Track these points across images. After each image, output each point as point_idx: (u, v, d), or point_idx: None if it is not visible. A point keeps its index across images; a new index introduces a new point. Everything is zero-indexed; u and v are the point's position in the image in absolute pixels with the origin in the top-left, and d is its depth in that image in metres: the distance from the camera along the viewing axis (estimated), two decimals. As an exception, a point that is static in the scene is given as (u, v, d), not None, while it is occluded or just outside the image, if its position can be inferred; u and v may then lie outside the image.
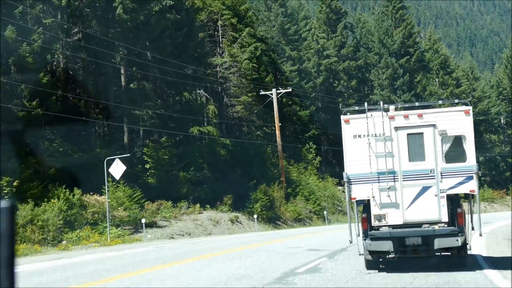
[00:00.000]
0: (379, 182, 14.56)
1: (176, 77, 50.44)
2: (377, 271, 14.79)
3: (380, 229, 14.53)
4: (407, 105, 17.88)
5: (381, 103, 15.03)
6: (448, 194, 14.38)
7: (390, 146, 14.60)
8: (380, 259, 15.07)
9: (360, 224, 14.87)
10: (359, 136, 14.69)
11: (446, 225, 14.34)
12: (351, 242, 15.11)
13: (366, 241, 14.38)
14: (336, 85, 77.52)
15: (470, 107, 14.84)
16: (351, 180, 14.66)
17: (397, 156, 14.61)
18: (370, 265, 15.10)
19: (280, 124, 58.12)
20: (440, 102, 17.89)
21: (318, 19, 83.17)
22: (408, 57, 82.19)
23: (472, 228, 15.61)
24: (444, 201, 14.34)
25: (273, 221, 50.69)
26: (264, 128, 65.63)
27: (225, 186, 49.60)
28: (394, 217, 14.50)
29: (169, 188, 46.58)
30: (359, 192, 14.66)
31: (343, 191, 66.40)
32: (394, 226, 14.49)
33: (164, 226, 40.82)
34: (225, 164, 52.85)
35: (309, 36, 78.00)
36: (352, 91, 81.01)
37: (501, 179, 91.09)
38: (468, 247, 14.97)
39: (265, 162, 57.57)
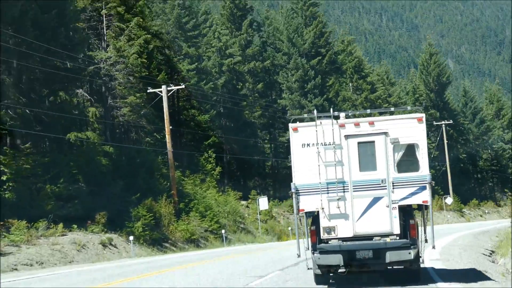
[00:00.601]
0: (328, 192, 14.28)
1: (48, 72, 40.53)
2: (326, 286, 14.80)
3: (329, 242, 14.20)
4: (358, 112, 16.81)
5: (331, 110, 14.91)
6: (400, 205, 14.18)
7: (340, 155, 14.33)
8: (330, 274, 14.86)
9: (308, 237, 14.63)
10: (308, 145, 14.41)
11: (398, 238, 14.06)
12: (299, 256, 14.75)
13: (315, 254, 14.09)
14: (240, 87, 68.87)
15: (423, 115, 14.56)
16: (299, 191, 14.36)
17: (348, 166, 14.35)
18: (319, 280, 15.09)
19: (171, 127, 48.85)
20: (393, 109, 17.30)
21: (222, 15, 74.61)
22: (319, 58, 74.55)
23: (426, 241, 15.32)
24: (396, 212, 14.07)
25: (159, 243, 41.24)
26: (155, 134, 56.18)
27: (101, 201, 40.08)
28: (344, 230, 14.19)
29: (29, 204, 36.68)
30: (307, 203, 14.35)
31: (247, 206, 58.69)
32: (344, 239, 14.17)
33: (8, 254, 30.82)
34: (106, 176, 43.19)
35: (210, 32, 69.10)
36: (258, 95, 72.63)
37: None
38: (421, 260, 14.75)
39: (153, 173, 48.09)
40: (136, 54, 49.47)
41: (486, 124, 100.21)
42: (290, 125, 14.80)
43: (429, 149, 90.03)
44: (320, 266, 14.41)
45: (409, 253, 13.65)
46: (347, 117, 15.15)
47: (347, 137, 14.38)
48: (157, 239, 40.96)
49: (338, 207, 14.20)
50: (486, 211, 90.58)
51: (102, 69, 49.03)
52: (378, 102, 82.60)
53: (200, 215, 46.50)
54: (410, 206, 14.44)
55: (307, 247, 14.76)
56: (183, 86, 51.57)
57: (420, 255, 14.47)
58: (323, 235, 14.22)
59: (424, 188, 14.05)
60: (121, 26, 50.80)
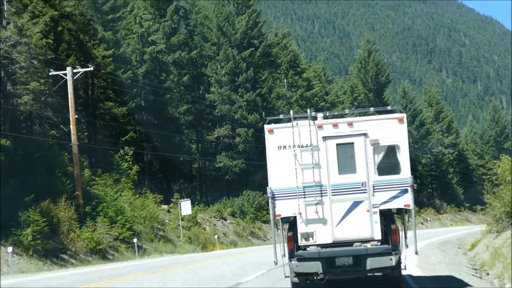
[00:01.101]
0: (305, 197, 13.71)
1: None
2: None
3: (307, 248, 13.71)
4: (336, 113, 15.67)
5: (308, 111, 14.44)
6: (381, 209, 13.70)
7: (317, 157, 13.79)
8: (308, 281, 14.37)
9: (285, 244, 14.05)
10: (284, 147, 13.91)
11: (379, 243, 13.61)
12: (276, 263, 14.39)
13: (292, 262, 13.59)
14: (163, 78, 61.38)
15: (404, 115, 14.09)
16: (275, 195, 13.78)
17: (326, 168, 13.79)
18: None
19: (83, 119, 41.38)
20: (372, 109, 16.84)
21: None
22: (252, 49, 67.83)
23: (406, 246, 14.91)
24: (377, 217, 13.64)
25: (54, 254, 33.54)
26: (62, 126, 48.26)
27: (-16, 203, 32.43)
28: (323, 235, 13.71)
29: None
30: (284, 208, 13.80)
31: (169, 211, 51.06)
32: (323, 245, 13.71)
33: None
34: (-3, 173, 35.42)
35: (130, 17, 61.43)
36: (184, 88, 65.35)
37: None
38: (402, 266, 14.35)
39: (54, 170, 40.28)
40: (40, 33, 41.66)
41: (426, 127, 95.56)
42: (266, 126, 14.16)
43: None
44: (298, 274, 13.90)
45: (391, 259, 13.25)
46: (325, 117, 14.53)
47: (325, 138, 13.92)
48: (52, 250, 33.29)
49: (317, 212, 13.72)
50: (428, 219, 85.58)
51: (1, 50, 41.14)
52: (315, 100, 76.61)
53: (109, 221, 38.94)
54: (390, 210, 14.04)
55: (283, 254, 14.23)
56: (91, 68, 43.91)
57: (401, 261, 14.02)
58: (301, 242, 13.71)
59: (405, 191, 13.64)
60: (24, 1, 43.14)
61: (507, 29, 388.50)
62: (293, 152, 13.79)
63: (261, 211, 59.80)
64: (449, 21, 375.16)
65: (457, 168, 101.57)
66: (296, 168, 13.73)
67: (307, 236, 13.66)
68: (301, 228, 13.68)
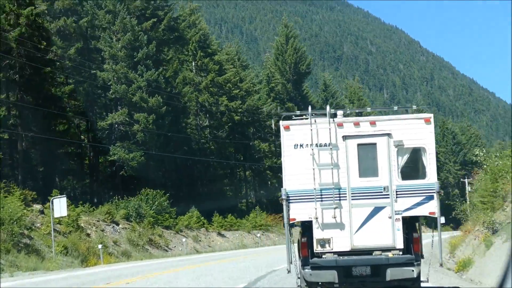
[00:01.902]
0: (323, 200, 12.68)
1: None
2: None
3: (323, 256, 12.67)
4: (357, 111, 16.09)
5: (328, 107, 13.03)
6: (404, 216, 12.76)
7: (337, 157, 12.73)
8: None
9: (298, 250, 13.08)
10: (301, 145, 12.78)
11: (401, 253, 12.72)
12: (289, 272, 13.11)
13: (306, 270, 12.49)
14: (43, 48, 49.07)
15: (431, 115, 13.06)
16: (290, 198, 12.67)
17: (346, 170, 12.71)
18: None
19: None
20: (396, 108, 14.77)
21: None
22: (155, 20, 56.79)
23: (422, 257, 13.16)
24: (399, 224, 12.71)
25: None
26: None
27: None
28: (340, 242, 12.66)
29: None
30: (299, 212, 12.71)
31: (43, 211, 37.26)
32: (340, 253, 12.68)
33: None
34: None
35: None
36: (70, 63, 53.40)
37: (271, 199, 69.18)
38: (425, 279, 13.32)
39: None
40: None
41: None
42: (281, 122, 13.01)
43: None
44: (309, 283, 12.72)
45: (412, 270, 12.34)
46: (345, 115, 13.60)
47: (345, 137, 12.81)
48: None
49: (334, 217, 12.63)
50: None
51: None
52: (227, 87, 66.15)
53: None
54: (413, 217, 13.02)
55: (290, 260, 13.11)
56: None
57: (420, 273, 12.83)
58: (317, 248, 12.66)
59: (431, 197, 12.66)
60: None
61: (413, 39, 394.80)
62: (311, 151, 12.66)
63: (163, 215, 48.58)
64: (356, 29, 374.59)
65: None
66: (313, 169, 12.62)
67: (323, 242, 12.65)
68: (317, 233, 12.67)
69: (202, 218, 50.70)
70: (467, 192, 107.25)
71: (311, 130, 12.71)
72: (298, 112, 13.63)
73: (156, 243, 45.51)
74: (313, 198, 12.60)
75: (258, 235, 52.87)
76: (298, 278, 13.34)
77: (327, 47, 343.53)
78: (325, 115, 12.94)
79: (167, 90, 57.13)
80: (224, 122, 64.71)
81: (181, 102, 60.26)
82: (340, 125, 12.83)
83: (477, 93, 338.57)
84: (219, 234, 50.76)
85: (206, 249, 46.72)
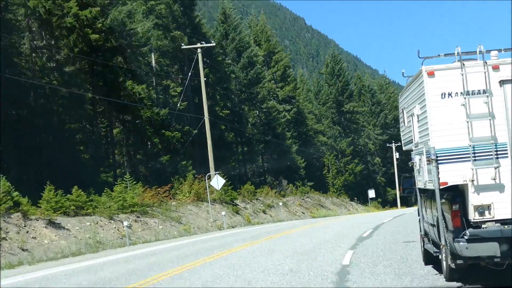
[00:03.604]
0: (479, 158, 10.47)
1: None
2: (460, 284, 10.98)
3: (483, 225, 10.37)
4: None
5: (479, 47, 10.68)
6: None
7: (495, 108, 10.48)
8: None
9: (448, 221, 10.73)
10: (450, 94, 10.67)
11: None
12: (435, 254, 11.89)
13: (460, 243, 10.26)
14: None
15: None
16: (440, 158, 10.57)
17: (505, 122, 10.46)
18: (453, 275, 11.17)
19: None
20: None
21: None
22: None
23: None
24: None
25: None
26: None
27: None
28: (503, 209, 10.35)
29: None
30: (451, 174, 10.54)
31: None
32: (503, 222, 10.37)
33: None
34: None
35: None
36: None
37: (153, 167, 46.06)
38: None
39: None
40: None
41: (257, 69, 64.03)
42: (424, 67, 10.78)
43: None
44: (464, 259, 10.45)
45: None
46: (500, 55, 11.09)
47: (503, 82, 10.50)
48: None
49: (495, 179, 10.32)
50: (274, 205, 53.91)
51: None
52: None
53: None
54: None
55: (422, 233, 13.49)
56: None
57: None
58: (474, 217, 10.36)
59: None
60: None
61: (297, 15, 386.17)
62: (464, 100, 10.54)
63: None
64: (241, 5, 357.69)
65: (295, 132, 71.33)
66: (468, 122, 10.51)
67: (482, 209, 10.37)
68: (474, 199, 10.40)
69: (17, 194, 26.29)
70: (394, 159, 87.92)
71: (462, 74, 10.51)
72: (443, 54, 11.32)
73: None
74: (468, 157, 10.40)
75: (126, 223, 28.35)
76: (436, 253, 11.84)
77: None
78: (475, 56, 10.62)
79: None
80: (73, 42, 39.85)
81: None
82: (496, 67, 10.54)
83: (361, 70, 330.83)
84: (51, 223, 26.28)
85: (15, 255, 21.98)
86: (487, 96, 10.47)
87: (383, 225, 29.42)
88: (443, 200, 10.90)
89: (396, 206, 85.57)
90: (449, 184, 10.61)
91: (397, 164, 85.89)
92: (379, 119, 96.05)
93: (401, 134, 14.51)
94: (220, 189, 40.69)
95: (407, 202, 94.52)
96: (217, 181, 39.19)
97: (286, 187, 62.28)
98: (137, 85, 44.73)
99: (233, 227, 39.64)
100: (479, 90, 10.57)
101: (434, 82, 10.71)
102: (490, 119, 10.44)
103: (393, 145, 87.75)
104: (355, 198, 77.83)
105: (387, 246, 18.34)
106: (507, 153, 10.41)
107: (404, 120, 13.68)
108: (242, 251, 19.81)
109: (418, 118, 11.63)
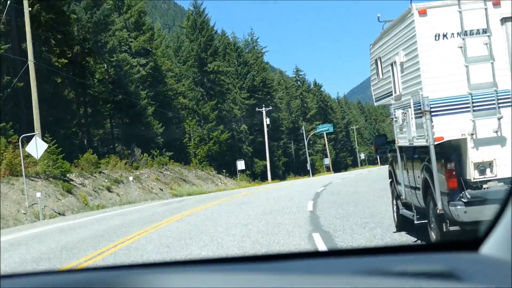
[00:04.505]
0: (481, 109, 9.15)
1: None
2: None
3: (483, 185, 9.00)
4: None
5: None
6: None
7: (496, 49, 9.04)
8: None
9: (441, 181, 9.17)
10: (445, 35, 9.21)
11: None
12: (420, 218, 10.56)
13: (457, 207, 8.89)
14: None
15: None
16: (434, 109, 9.19)
17: (510, 67, 8.86)
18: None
19: None
20: None
21: None
22: None
23: None
24: None
25: None
26: None
27: None
28: (507, 166, 8.95)
29: None
30: (448, 127, 9.21)
31: None
32: (506, 180, 9.07)
33: None
34: None
35: None
36: None
37: None
38: None
39: None
40: None
41: (103, 10, 51.84)
42: (414, 5, 9.47)
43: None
44: (461, 224, 9.05)
45: None
46: None
47: (505, 20, 9.07)
48: None
49: (496, 131, 9.03)
50: (123, 180, 42.45)
51: None
52: None
53: None
54: None
55: (395, 197, 12.23)
56: None
57: None
58: (474, 176, 9.01)
59: None
60: None
61: None
62: (461, 42, 9.13)
63: None
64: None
65: (151, 92, 59.85)
66: (466, 66, 9.07)
67: (483, 167, 9.02)
68: (473, 155, 9.09)
69: None
70: (265, 125, 78.73)
71: (459, 12, 9.13)
72: None
73: None
74: (467, 107, 9.12)
75: None
76: (431, 223, 9.84)
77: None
78: None
79: None
80: None
81: None
82: (496, 3, 9.19)
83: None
84: None
85: None
86: (488, 36, 9.05)
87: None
88: (435, 158, 9.23)
89: (267, 179, 76.64)
90: (445, 139, 9.24)
91: (267, 131, 76.85)
92: (246, 81, 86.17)
93: (373, 88, 12.62)
94: (39, 158, 28.93)
95: (278, 175, 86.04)
96: (36, 146, 27.46)
97: (140, 158, 51.03)
98: None
99: (60, 214, 28.19)
100: (478, 30, 9.11)
101: (427, 21, 9.29)
102: (492, 62, 8.99)
103: (264, 109, 78.47)
104: (223, 171, 67.81)
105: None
106: (509, 102, 8.88)
107: (378, 72, 11.92)
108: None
109: (402, 66, 10.05)
